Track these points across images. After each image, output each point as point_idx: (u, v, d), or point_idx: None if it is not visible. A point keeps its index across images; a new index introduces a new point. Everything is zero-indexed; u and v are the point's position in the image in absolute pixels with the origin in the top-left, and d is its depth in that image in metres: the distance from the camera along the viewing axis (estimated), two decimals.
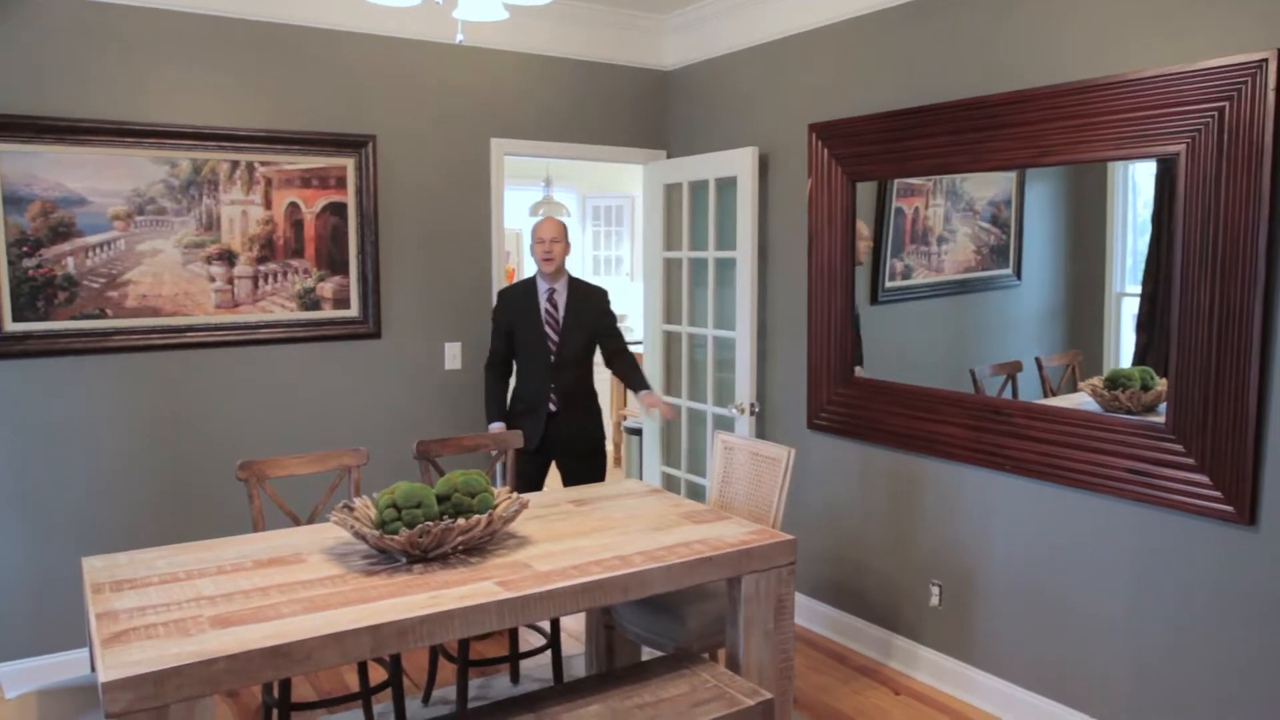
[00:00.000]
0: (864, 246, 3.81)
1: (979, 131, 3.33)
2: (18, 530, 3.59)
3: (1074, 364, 3.21)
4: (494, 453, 3.74)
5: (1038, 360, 3.31)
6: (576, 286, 4.22)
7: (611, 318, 4.31)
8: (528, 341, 4.10)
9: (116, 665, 1.92)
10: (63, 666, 3.64)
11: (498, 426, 4.07)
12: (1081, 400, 3.15)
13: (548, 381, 4.09)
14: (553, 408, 4.11)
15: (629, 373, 4.25)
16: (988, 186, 3.43)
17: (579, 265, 8.48)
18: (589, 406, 4.25)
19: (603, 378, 7.86)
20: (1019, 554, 3.36)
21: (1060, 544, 3.22)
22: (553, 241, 4.08)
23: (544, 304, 4.12)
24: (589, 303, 4.20)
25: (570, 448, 4.14)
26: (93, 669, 2.34)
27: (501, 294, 4.23)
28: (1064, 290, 3.25)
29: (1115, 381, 3.05)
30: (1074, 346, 3.22)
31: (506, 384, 4.19)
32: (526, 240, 7.49)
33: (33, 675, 3.54)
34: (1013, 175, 3.34)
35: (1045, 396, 3.28)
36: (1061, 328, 3.27)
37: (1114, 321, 3.10)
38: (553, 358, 4.10)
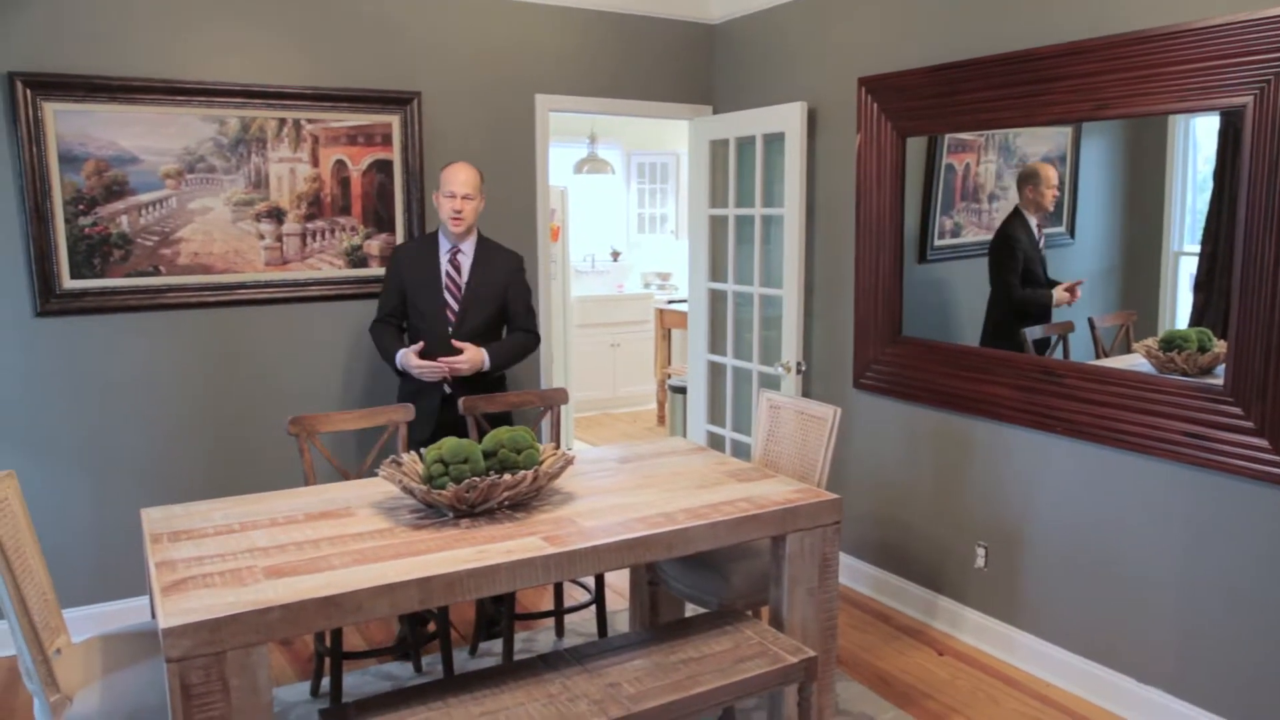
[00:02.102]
0: (1050, 195, 3.31)
1: (1033, 84, 3.24)
2: (81, 483, 3.70)
3: (1128, 324, 3.14)
4: (541, 409, 3.76)
5: (1090, 320, 3.24)
6: (485, 247, 3.62)
7: (524, 290, 3.66)
8: (423, 310, 3.51)
9: (175, 612, 1.98)
10: (124, 613, 3.76)
11: (407, 352, 3.43)
12: (1135, 362, 3.09)
13: (444, 356, 3.47)
14: (447, 388, 3.54)
15: (505, 341, 3.62)
16: (1041, 142, 3.35)
17: (624, 223, 8.45)
18: (494, 386, 3.66)
19: (644, 338, 7.88)
20: (1068, 516, 3.32)
21: (1111, 507, 3.18)
22: (465, 198, 3.46)
23: (445, 265, 3.54)
24: (500, 267, 3.60)
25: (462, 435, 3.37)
26: (153, 616, 2.41)
27: (395, 251, 3.68)
28: (1119, 249, 3.17)
29: (1171, 343, 2.98)
30: (1128, 307, 3.15)
31: (400, 335, 3.60)
32: (573, 198, 7.51)
33: (96, 621, 3.66)
34: (1067, 130, 3.25)
35: (1098, 357, 3.21)
36: (1115, 287, 3.20)
37: (1170, 281, 3.02)
38: (450, 329, 3.51)
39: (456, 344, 3.48)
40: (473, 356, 3.46)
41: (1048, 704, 3.27)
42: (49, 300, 3.55)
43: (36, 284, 3.52)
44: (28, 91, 3.42)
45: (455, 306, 3.55)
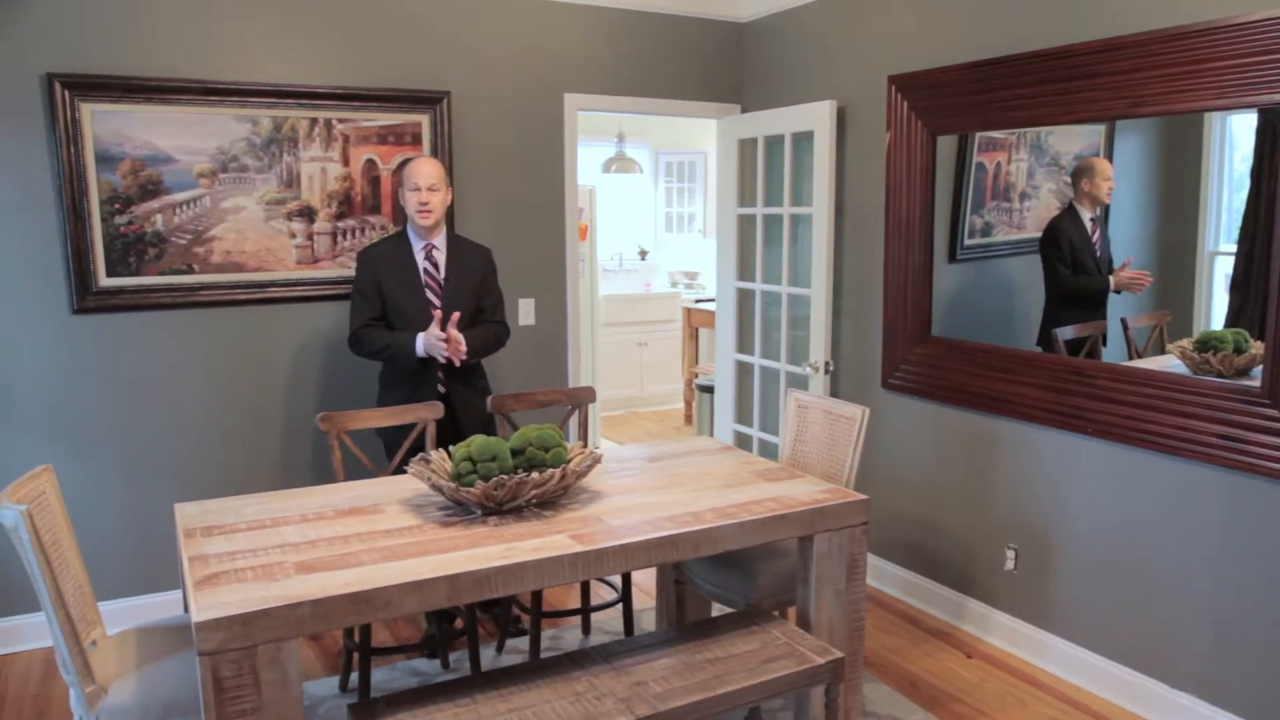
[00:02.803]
0: (1106, 188, 3.24)
1: (1067, 82, 3.20)
2: (116, 477, 3.75)
3: (1161, 325, 3.10)
4: (568, 407, 3.76)
5: (1123, 321, 3.21)
6: (457, 242, 3.63)
7: (495, 283, 3.69)
8: (405, 309, 3.47)
9: (208, 606, 2.00)
10: (158, 606, 3.82)
11: (431, 330, 3.36)
12: (1169, 363, 3.05)
13: (433, 357, 3.44)
14: (441, 388, 3.54)
15: (478, 329, 3.56)
16: (1074, 140, 3.31)
17: (652, 222, 8.45)
18: (480, 385, 3.69)
19: (671, 337, 7.88)
20: (1099, 519, 3.28)
21: (1143, 510, 3.14)
22: (430, 190, 3.44)
23: (422, 263, 3.53)
24: (474, 262, 3.62)
25: (460, 436, 3.53)
26: (185, 609, 2.45)
27: (365, 254, 3.54)
28: (1153, 248, 3.13)
29: (1206, 344, 2.94)
30: (1162, 307, 3.11)
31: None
32: (600, 197, 7.52)
33: (131, 614, 3.72)
34: (1101, 128, 3.22)
35: (1130, 358, 3.18)
36: (1149, 287, 3.16)
37: (1205, 281, 2.97)
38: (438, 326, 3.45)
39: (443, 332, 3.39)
40: (458, 338, 3.39)
41: (1077, 708, 3.24)
42: (86, 297, 3.61)
43: (74, 281, 3.57)
44: (66, 92, 3.48)
45: (438, 303, 3.51)
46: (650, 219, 8.44)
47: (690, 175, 8.45)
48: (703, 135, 8.25)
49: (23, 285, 3.54)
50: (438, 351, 3.38)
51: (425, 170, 3.45)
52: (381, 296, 3.49)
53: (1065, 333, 3.38)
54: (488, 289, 3.66)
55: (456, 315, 3.37)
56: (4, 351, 3.53)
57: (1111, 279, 3.23)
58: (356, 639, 3.13)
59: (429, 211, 3.46)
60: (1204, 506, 2.96)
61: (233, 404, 3.93)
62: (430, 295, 3.52)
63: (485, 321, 3.64)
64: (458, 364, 3.46)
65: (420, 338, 3.40)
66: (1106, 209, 3.24)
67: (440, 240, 3.57)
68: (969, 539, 3.80)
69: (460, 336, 3.39)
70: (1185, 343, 3.00)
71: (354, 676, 3.37)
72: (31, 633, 3.66)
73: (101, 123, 3.56)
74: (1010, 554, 3.61)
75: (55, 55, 3.48)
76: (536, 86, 4.40)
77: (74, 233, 3.55)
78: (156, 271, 3.72)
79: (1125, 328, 3.20)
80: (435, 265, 3.55)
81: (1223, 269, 2.91)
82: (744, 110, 4.88)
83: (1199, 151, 2.94)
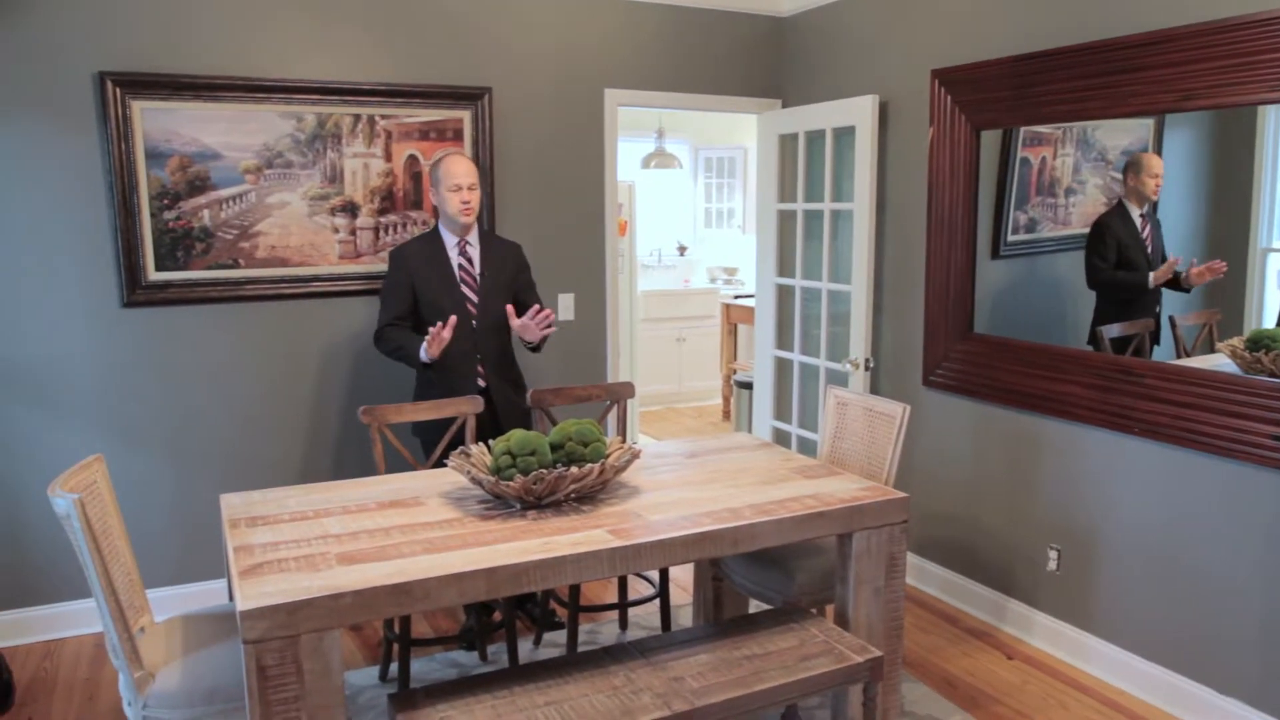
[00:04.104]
0: (1152, 184, 3.19)
1: (1115, 75, 3.15)
2: (164, 468, 3.83)
3: (1211, 323, 3.04)
4: (607, 403, 3.77)
5: (1171, 319, 3.15)
6: (489, 239, 3.66)
7: (530, 277, 3.73)
8: (441, 305, 3.46)
9: (253, 596, 2.04)
10: (204, 595, 3.89)
11: (427, 342, 3.28)
12: (1219, 362, 2.99)
13: (473, 352, 3.51)
14: (481, 382, 3.56)
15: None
16: (1122, 134, 3.26)
17: (691, 217, 8.44)
18: (516, 380, 3.70)
19: (709, 333, 7.86)
20: (1145, 519, 3.23)
21: (1191, 511, 3.08)
22: (470, 189, 3.45)
23: (457, 259, 3.53)
24: (508, 257, 3.64)
25: (499, 431, 3.51)
26: (230, 598, 2.49)
27: (397, 253, 3.54)
28: (1203, 245, 3.07)
29: (1258, 342, 2.88)
30: (1212, 305, 3.05)
31: (415, 334, 3.44)
32: (640, 192, 7.52)
33: (177, 602, 3.79)
34: (1149, 123, 3.16)
35: (1178, 357, 3.12)
36: (1200, 286, 3.10)
37: (1258, 279, 2.91)
38: (475, 323, 3.51)
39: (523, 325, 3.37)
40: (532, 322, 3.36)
41: (1121, 712, 3.19)
42: (135, 291, 3.68)
43: (124, 275, 3.65)
44: (117, 90, 3.55)
45: (475, 299, 3.52)
46: (689, 215, 8.42)
47: (730, 171, 8.42)
48: (742, 131, 8.22)
49: (75, 279, 3.62)
50: (440, 346, 3.27)
51: (464, 169, 3.46)
52: (414, 295, 3.48)
53: (1111, 330, 3.33)
54: (525, 283, 3.68)
55: (453, 320, 3.28)
56: (57, 343, 3.62)
57: (1151, 275, 3.16)
58: (396, 630, 3.17)
59: (470, 209, 3.46)
60: (1254, 508, 2.90)
61: (276, 396, 3.99)
62: (466, 290, 3.53)
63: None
64: (480, 380, 3.48)
65: (424, 347, 3.30)
66: (1154, 205, 3.18)
67: (474, 237, 3.58)
68: (1010, 539, 3.75)
69: (547, 312, 3.34)
70: (1236, 341, 2.93)
71: (393, 667, 3.41)
72: (82, 618, 3.75)
73: (151, 120, 3.63)
74: (1053, 554, 3.56)
75: (107, 54, 3.55)
76: (577, 82, 4.41)
77: (124, 227, 3.62)
78: (203, 266, 3.79)
79: (1174, 326, 3.14)
80: (470, 261, 3.55)
81: (1275, 266, 2.85)
82: (785, 105, 4.86)
83: (1251, 146, 2.87)
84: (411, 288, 3.48)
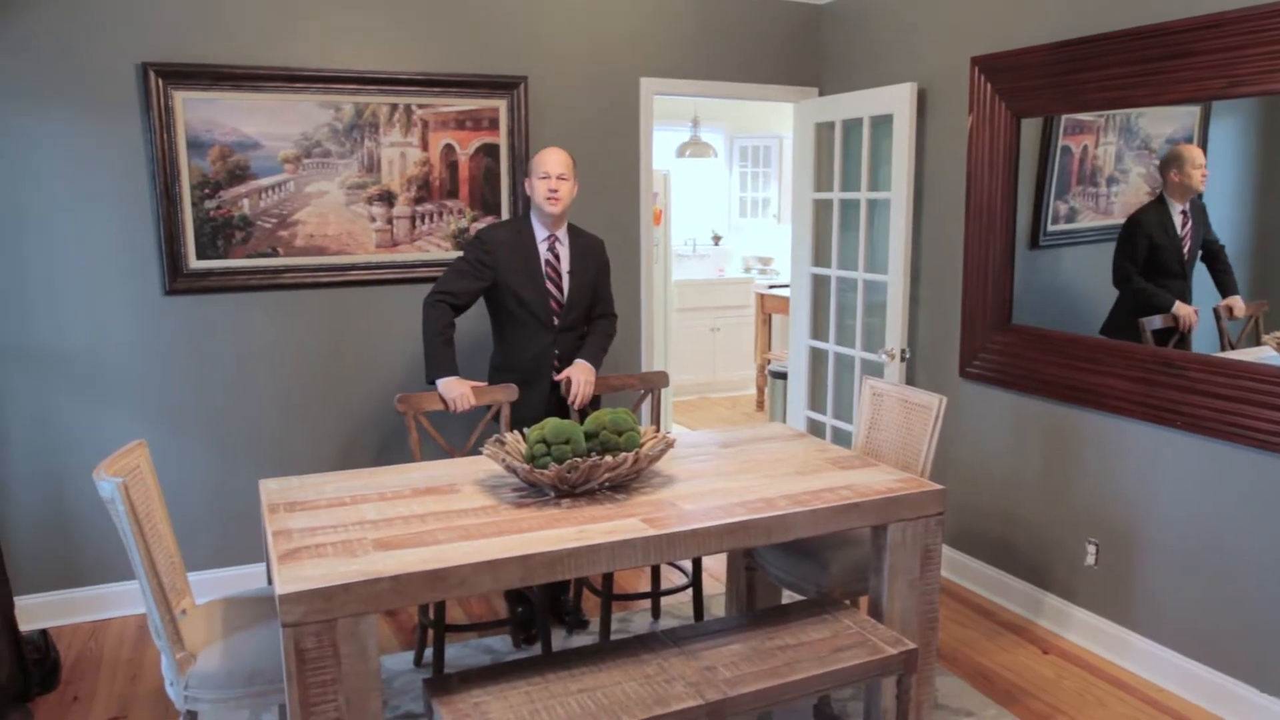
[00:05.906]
0: (1199, 176, 3.09)
1: (1160, 61, 3.09)
2: (205, 453, 3.89)
3: (1258, 315, 2.98)
4: (641, 392, 3.78)
5: (1216, 311, 3.09)
6: (578, 235, 3.58)
7: (608, 279, 3.69)
8: (526, 299, 3.44)
9: (291, 580, 2.06)
10: (243, 578, 3.95)
11: (448, 381, 3.33)
12: (1266, 354, 2.93)
13: (550, 348, 3.49)
14: (556, 376, 3.53)
15: (594, 340, 3.60)
16: (1166, 122, 3.19)
17: (726, 207, 8.40)
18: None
19: (744, 323, 7.84)
20: (1186, 514, 3.18)
21: (1234, 506, 3.03)
22: (560, 178, 3.39)
23: (544, 254, 3.48)
24: (593, 255, 3.60)
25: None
26: (269, 582, 2.53)
27: (487, 235, 3.47)
28: (1250, 235, 3.01)
29: None
30: (1259, 296, 2.99)
31: (452, 332, 3.41)
32: (675, 181, 7.50)
33: (217, 585, 3.85)
34: (1195, 110, 3.09)
35: (1223, 349, 3.06)
36: (1245, 276, 3.03)
37: None
38: (557, 320, 3.49)
39: (575, 367, 3.46)
40: (588, 376, 3.46)
41: (1160, 709, 3.15)
42: (177, 279, 3.73)
43: (165, 263, 3.70)
44: (159, 81, 3.59)
45: (560, 297, 3.49)
46: (724, 204, 8.39)
47: (765, 160, 8.37)
48: (778, 120, 8.17)
49: (119, 267, 3.68)
50: (449, 396, 3.33)
51: (555, 158, 3.41)
52: (495, 280, 3.42)
53: (1153, 323, 3.27)
54: (603, 282, 3.65)
55: (582, 373, 3.44)
56: (101, 331, 3.68)
57: (1176, 304, 3.11)
58: (431, 616, 3.20)
59: (557, 199, 3.39)
60: None
61: (315, 384, 4.03)
62: (550, 287, 3.48)
63: (598, 316, 3.64)
64: (555, 373, 3.52)
65: (441, 383, 3.33)
66: (1200, 196, 3.11)
67: (563, 233, 3.52)
68: (1048, 532, 3.71)
69: (586, 378, 3.44)
70: None
71: (428, 652, 3.45)
72: (126, 600, 3.83)
73: (192, 110, 3.67)
74: (1091, 549, 3.52)
75: (150, 45, 3.60)
76: (612, 71, 4.40)
77: (167, 216, 3.67)
78: (243, 254, 3.83)
79: (1218, 318, 3.08)
80: (557, 258, 3.49)
81: None
82: (821, 94, 4.82)
83: None
84: (493, 272, 3.42)
